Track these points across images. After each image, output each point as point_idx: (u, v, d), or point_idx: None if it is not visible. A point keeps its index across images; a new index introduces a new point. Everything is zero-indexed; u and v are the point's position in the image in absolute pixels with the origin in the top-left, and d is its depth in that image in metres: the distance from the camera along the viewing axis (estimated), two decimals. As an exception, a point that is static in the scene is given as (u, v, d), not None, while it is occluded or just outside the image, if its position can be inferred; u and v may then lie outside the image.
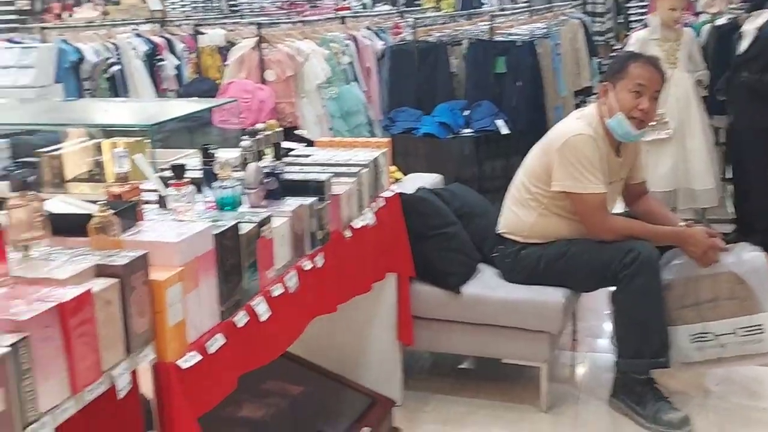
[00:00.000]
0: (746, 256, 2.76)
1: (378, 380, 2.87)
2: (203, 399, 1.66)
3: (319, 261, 2.21)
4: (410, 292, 2.89)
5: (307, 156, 2.74)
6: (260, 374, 1.94)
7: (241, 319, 1.82)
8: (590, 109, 2.90)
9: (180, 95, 5.68)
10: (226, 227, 1.77)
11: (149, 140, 2.90)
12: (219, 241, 1.74)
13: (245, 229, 1.85)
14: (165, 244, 1.60)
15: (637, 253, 2.69)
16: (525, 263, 2.88)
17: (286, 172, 2.27)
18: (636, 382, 2.75)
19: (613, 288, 2.75)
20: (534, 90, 4.88)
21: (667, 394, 2.74)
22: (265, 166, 2.18)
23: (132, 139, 2.87)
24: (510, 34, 5.31)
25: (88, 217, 1.58)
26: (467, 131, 4.65)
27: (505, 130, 4.63)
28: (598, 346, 3.29)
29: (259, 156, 2.36)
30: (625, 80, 2.76)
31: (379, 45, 6.04)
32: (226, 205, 2.02)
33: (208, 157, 2.21)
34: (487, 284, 2.91)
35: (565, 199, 2.81)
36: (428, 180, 3.31)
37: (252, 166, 2.12)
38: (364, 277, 2.58)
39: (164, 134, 3.19)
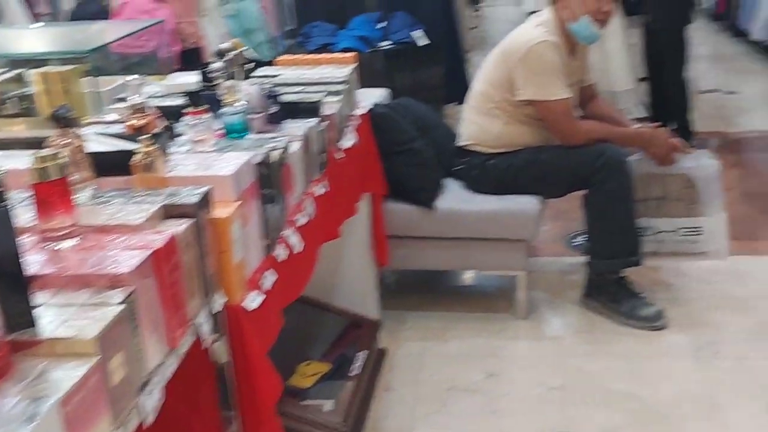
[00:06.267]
0: (702, 161, 2.88)
1: (355, 302, 2.81)
2: (267, 337, 1.56)
3: (326, 185, 2.10)
4: (383, 211, 2.84)
5: (274, 76, 2.57)
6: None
7: (281, 252, 1.70)
8: (547, 15, 2.87)
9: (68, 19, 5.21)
10: (264, 156, 1.64)
11: (87, 68, 2.64)
12: (261, 172, 1.61)
13: (273, 156, 1.72)
14: (220, 178, 1.45)
15: (608, 156, 2.74)
16: (494, 173, 2.88)
17: (282, 93, 2.12)
18: (610, 281, 2.85)
19: (584, 192, 2.81)
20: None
21: (638, 291, 2.86)
22: (262, 89, 2.02)
23: (67, 68, 2.59)
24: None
25: (129, 153, 1.41)
26: (386, 44, 4.54)
27: (422, 42, 4.56)
28: (558, 250, 3.38)
29: (231, 77, 2.20)
30: None
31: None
32: (234, 132, 1.87)
33: (207, 81, 2.02)
34: (458, 198, 2.89)
35: (531, 107, 2.81)
36: (378, 95, 3.21)
37: (254, 89, 1.96)
38: (353, 199, 2.49)
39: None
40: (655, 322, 2.77)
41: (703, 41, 6.76)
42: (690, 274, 3.12)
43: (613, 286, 2.84)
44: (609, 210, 2.76)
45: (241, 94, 1.96)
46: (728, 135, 5.01)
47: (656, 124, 3.03)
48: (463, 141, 2.98)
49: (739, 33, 7.64)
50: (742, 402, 2.38)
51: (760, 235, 3.46)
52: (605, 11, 2.76)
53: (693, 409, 2.36)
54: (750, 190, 3.96)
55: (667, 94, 4.29)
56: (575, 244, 3.35)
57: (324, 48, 4.52)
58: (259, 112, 1.94)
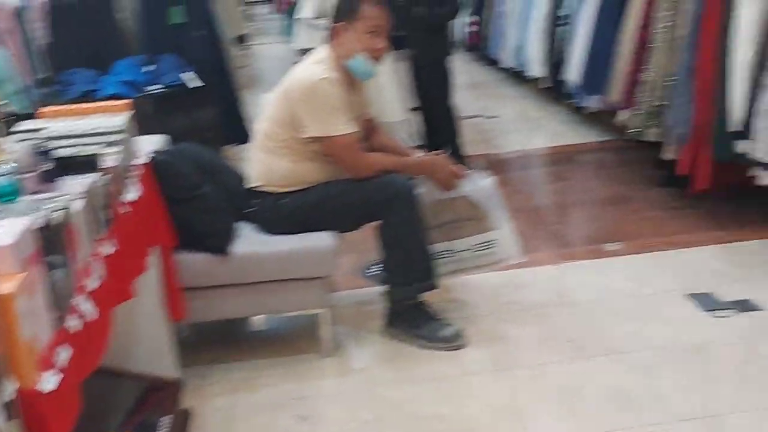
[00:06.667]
0: (479, 182, 3.04)
1: (152, 363, 2.64)
2: (67, 418, 1.40)
3: (114, 243, 1.95)
4: (174, 263, 2.70)
5: (40, 129, 2.36)
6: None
7: (74, 323, 1.55)
8: (325, 52, 2.91)
9: None
10: (46, 220, 1.48)
11: None
12: (43, 237, 1.45)
13: (54, 218, 1.57)
14: (-2, 249, 1.29)
15: (395, 186, 2.81)
16: (286, 213, 2.85)
17: (55, 148, 1.94)
18: (408, 307, 2.91)
19: (377, 223, 2.86)
20: (215, 39, 4.75)
21: (436, 314, 2.94)
22: (31, 145, 1.84)
23: None
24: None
25: None
26: (155, 88, 4.38)
27: (194, 83, 4.45)
28: (356, 283, 3.40)
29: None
30: (360, 22, 2.81)
31: (15, 2, 5.36)
32: (4, 195, 1.68)
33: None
34: (251, 241, 2.82)
35: (317, 144, 2.81)
36: (156, 142, 3.07)
37: (23, 146, 1.78)
38: (142, 254, 2.34)
39: None
40: (454, 342, 2.86)
41: (461, 71, 7.21)
42: (480, 290, 3.27)
43: (411, 311, 2.91)
44: (401, 238, 2.82)
45: (7, 153, 1.78)
46: (492, 156, 5.36)
47: (437, 151, 3.15)
48: (252, 182, 2.92)
49: (490, 62, 8.25)
50: (544, 406, 2.51)
51: (533, 246, 3.71)
52: (379, 48, 2.84)
53: (499, 420, 2.46)
54: (517, 206, 4.23)
55: (437, 122, 4.51)
56: (370, 274, 3.39)
57: (86, 95, 4.26)
58: (30, 171, 1.77)
